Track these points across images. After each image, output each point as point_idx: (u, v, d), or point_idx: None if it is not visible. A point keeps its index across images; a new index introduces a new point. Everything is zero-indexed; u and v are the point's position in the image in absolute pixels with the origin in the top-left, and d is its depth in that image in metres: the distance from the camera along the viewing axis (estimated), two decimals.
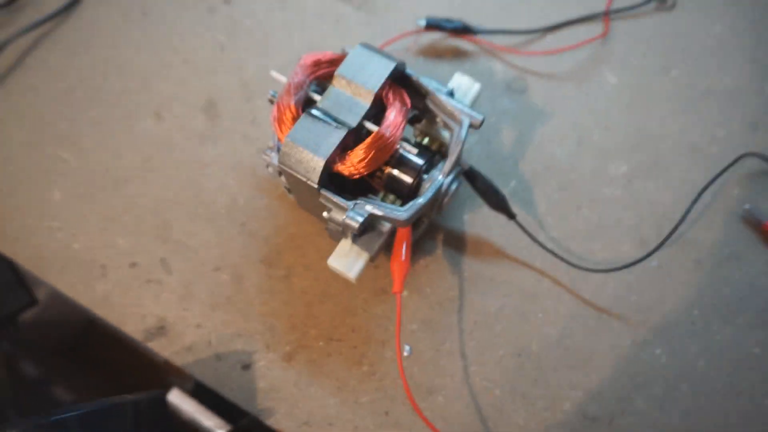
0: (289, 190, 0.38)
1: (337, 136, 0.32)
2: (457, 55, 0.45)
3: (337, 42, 0.45)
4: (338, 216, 0.33)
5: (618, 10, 0.46)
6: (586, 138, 0.43)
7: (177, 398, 0.48)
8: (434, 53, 0.45)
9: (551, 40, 0.46)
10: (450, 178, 0.34)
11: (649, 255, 0.37)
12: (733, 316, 0.38)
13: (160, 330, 0.39)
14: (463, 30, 0.45)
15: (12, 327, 0.51)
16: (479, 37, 0.45)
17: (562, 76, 0.45)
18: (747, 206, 0.40)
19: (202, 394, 0.50)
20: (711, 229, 0.40)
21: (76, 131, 0.44)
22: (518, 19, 0.46)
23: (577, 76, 0.44)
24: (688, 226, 0.40)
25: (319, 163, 0.32)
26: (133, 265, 0.40)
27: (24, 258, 0.41)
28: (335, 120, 0.33)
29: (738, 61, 0.44)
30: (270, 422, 0.37)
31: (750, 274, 0.39)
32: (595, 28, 0.46)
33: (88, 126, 0.44)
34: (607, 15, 0.46)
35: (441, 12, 0.46)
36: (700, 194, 0.38)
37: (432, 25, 0.44)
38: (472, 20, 0.45)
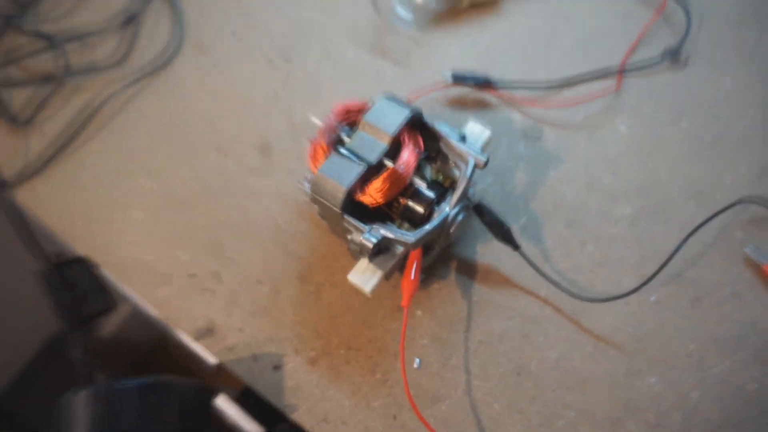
0: (322, 217, 0.44)
1: (359, 170, 0.38)
2: (480, 105, 0.51)
3: (376, 93, 0.52)
4: (357, 237, 0.38)
5: (632, 68, 0.50)
6: (595, 181, 0.47)
7: (222, 402, 0.54)
8: (460, 103, 0.51)
9: (567, 93, 0.50)
10: (456, 210, 0.40)
11: (642, 285, 0.40)
12: (730, 352, 0.39)
13: (209, 331, 0.46)
14: (486, 83, 0.50)
15: (92, 327, 0.59)
16: (500, 90, 0.51)
17: (575, 126, 0.49)
18: (748, 249, 0.42)
19: (244, 401, 0.56)
20: (712, 269, 0.42)
21: (156, 164, 0.53)
22: (538, 74, 0.51)
23: (590, 126, 0.49)
24: (689, 266, 0.42)
25: (342, 192, 0.38)
26: (192, 275, 0.48)
27: (107, 265, 0.50)
28: (358, 157, 0.39)
29: (748, 113, 0.47)
30: (293, 417, 0.42)
31: (748, 313, 0.40)
32: (609, 83, 0.50)
33: (165, 159, 0.53)
34: (621, 71, 0.50)
35: (470, 66, 0.52)
36: (694, 231, 0.41)
37: (458, 79, 0.50)
38: (497, 73, 0.51)
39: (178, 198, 0.51)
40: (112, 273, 0.49)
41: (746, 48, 0.50)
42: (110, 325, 0.89)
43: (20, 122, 0.57)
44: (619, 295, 0.41)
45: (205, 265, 0.48)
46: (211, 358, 0.46)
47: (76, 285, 0.58)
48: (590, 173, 0.47)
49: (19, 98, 0.59)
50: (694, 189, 0.45)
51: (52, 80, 0.58)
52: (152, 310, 0.59)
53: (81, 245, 0.51)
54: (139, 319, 0.74)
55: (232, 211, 0.50)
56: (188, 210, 0.51)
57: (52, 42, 0.60)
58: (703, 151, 0.46)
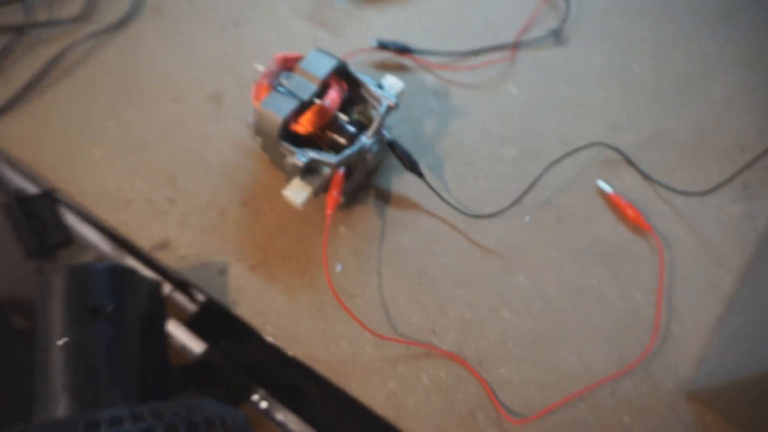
0: (263, 148, 0.53)
1: (293, 104, 0.47)
2: (399, 68, 0.61)
3: None
4: (290, 159, 0.48)
5: (524, 42, 0.62)
6: (488, 130, 0.57)
7: (172, 326, 0.62)
8: (383, 66, 0.61)
9: (471, 61, 0.61)
10: (371, 141, 0.49)
11: (513, 204, 0.51)
12: (580, 258, 0.51)
13: (164, 245, 0.53)
14: (405, 50, 0.61)
15: (51, 258, 0.65)
16: (416, 56, 0.61)
17: (476, 86, 0.60)
18: (599, 182, 0.53)
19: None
20: (572, 197, 0.54)
21: (118, 109, 0.60)
22: (448, 46, 0.62)
23: (487, 87, 0.60)
24: (555, 194, 0.54)
25: (278, 121, 0.47)
26: (149, 200, 0.56)
27: (73, 192, 0.57)
28: (293, 95, 0.48)
29: (609, 82, 0.59)
30: (235, 311, 0.50)
31: (596, 229, 0.52)
32: (505, 55, 0.61)
33: (126, 106, 0.61)
34: (515, 45, 0.62)
35: (392, 37, 0.62)
36: (554, 163, 0.53)
37: (382, 46, 0.60)
38: (414, 43, 0.61)
39: (138, 138, 0.59)
40: (78, 198, 0.56)
41: (612, 34, 0.62)
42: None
43: None
44: (497, 212, 0.52)
45: (161, 193, 0.56)
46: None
47: (38, 218, 0.64)
48: (485, 124, 0.58)
49: None
50: (563, 138, 0.56)
51: (16, 31, 0.64)
52: (107, 244, 0.67)
53: (49, 176, 0.58)
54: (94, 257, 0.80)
55: (186, 150, 0.58)
56: (147, 148, 0.58)
57: None
58: (572, 110, 0.58)
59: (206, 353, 0.61)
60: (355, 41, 0.63)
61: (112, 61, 0.63)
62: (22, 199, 0.62)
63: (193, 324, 0.69)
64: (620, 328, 0.48)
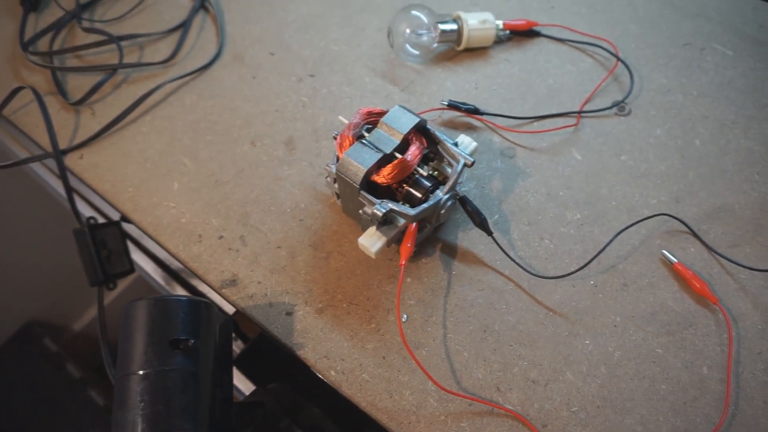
0: (338, 196, 0.55)
1: (376, 157, 0.50)
2: (468, 127, 0.64)
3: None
4: (369, 209, 0.49)
5: (588, 111, 0.64)
6: (552, 193, 0.59)
7: None
8: (452, 125, 0.64)
9: (537, 125, 0.64)
10: (447, 196, 0.51)
11: (581, 268, 0.52)
12: (644, 325, 0.51)
13: (232, 282, 0.55)
14: (474, 111, 0.63)
15: (111, 286, 0.67)
16: (485, 117, 0.64)
17: (541, 150, 0.62)
18: (664, 251, 0.54)
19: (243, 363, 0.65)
20: (637, 265, 0.54)
21: (195, 147, 0.63)
22: (514, 111, 0.64)
23: (552, 151, 0.62)
24: (620, 261, 0.55)
25: (362, 171, 0.49)
26: (221, 237, 0.57)
27: (147, 224, 0.59)
28: (376, 148, 0.50)
29: (671, 155, 0.61)
30: (299, 353, 0.51)
31: (660, 297, 0.53)
32: (570, 121, 0.64)
33: (204, 145, 0.64)
34: (579, 113, 0.64)
35: (460, 97, 0.65)
36: (621, 231, 0.54)
37: (452, 105, 0.63)
38: (482, 106, 0.64)
39: (213, 176, 0.61)
40: (151, 231, 0.58)
41: (673, 109, 0.65)
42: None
43: (73, 101, 0.67)
44: (564, 275, 0.53)
45: (233, 231, 0.58)
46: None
47: (106, 246, 0.66)
48: (549, 186, 0.59)
49: (74, 82, 0.69)
50: (626, 205, 0.58)
51: (109, 70, 0.69)
52: (161, 279, 0.68)
53: (125, 207, 0.60)
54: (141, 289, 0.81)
55: (260, 191, 0.60)
56: (222, 186, 0.61)
57: (109, 38, 0.70)
58: (635, 179, 0.60)
59: (258, 393, 0.61)
60: (424, 99, 0.66)
61: (192, 102, 0.67)
62: (92, 227, 0.64)
63: (240, 362, 0.69)
64: (687, 400, 0.48)
